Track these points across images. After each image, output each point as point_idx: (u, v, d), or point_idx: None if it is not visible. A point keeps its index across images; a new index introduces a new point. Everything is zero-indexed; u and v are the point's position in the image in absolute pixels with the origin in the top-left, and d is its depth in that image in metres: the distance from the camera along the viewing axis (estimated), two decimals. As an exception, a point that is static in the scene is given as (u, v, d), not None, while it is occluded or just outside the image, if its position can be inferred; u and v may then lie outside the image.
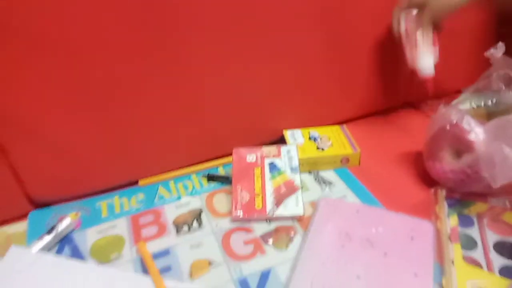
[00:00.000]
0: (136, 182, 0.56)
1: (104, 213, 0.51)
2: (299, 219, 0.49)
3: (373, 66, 0.65)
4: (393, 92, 0.69)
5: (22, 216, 0.51)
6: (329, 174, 0.57)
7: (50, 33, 0.43)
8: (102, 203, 0.52)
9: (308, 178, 0.56)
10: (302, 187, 0.51)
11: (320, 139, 0.60)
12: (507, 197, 0.48)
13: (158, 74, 0.50)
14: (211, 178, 0.56)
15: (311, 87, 0.61)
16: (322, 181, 0.56)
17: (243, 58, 0.54)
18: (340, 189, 0.54)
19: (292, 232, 0.47)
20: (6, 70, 0.43)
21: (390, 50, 0.62)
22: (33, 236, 0.47)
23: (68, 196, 0.53)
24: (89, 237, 0.47)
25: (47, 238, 0.46)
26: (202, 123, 0.56)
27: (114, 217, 0.50)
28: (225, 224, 0.49)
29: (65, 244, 0.47)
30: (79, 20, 0.44)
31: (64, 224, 0.47)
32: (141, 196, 0.54)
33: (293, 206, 0.49)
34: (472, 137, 0.47)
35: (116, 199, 0.53)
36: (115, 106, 0.50)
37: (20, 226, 0.50)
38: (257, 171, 0.53)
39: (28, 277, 0.41)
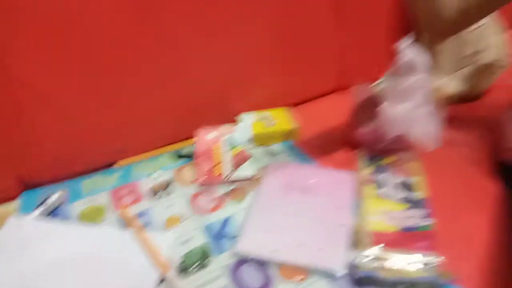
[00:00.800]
0: (113, 164, 0.65)
1: (87, 190, 0.60)
2: (251, 179, 0.60)
3: (312, 59, 0.78)
4: (329, 79, 0.83)
5: (10, 198, 0.59)
6: (277, 147, 0.69)
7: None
8: (85, 182, 0.61)
9: (260, 151, 0.68)
10: (254, 158, 0.63)
11: (268, 118, 0.72)
12: (410, 151, 0.63)
13: (134, 65, 0.60)
14: (179, 155, 0.66)
15: (261, 77, 0.74)
16: (271, 153, 0.68)
17: (205, 52, 0.65)
18: (285, 156, 0.66)
19: (246, 190, 0.59)
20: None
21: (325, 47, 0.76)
22: (25, 211, 0.55)
23: (54, 177, 0.61)
24: (75, 209, 0.56)
25: (40, 209, 0.54)
26: (171, 110, 0.67)
27: (96, 192, 0.59)
28: (192, 189, 0.59)
29: (55, 216, 0.55)
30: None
31: (54, 197, 0.56)
32: (118, 174, 0.63)
33: (245, 170, 0.61)
34: (378, 106, 0.62)
35: (96, 178, 0.62)
36: (95, 98, 0.60)
37: (10, 206, 0.57)
38: (216, 147, 0.64)
39: (27, 241, 0.49)
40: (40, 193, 0.59)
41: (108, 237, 0.50)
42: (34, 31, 0.53)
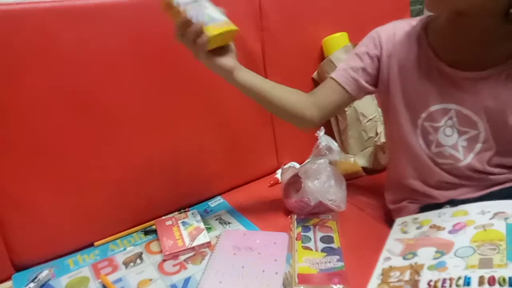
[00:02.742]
0: (92, 244, 0.78)
1: (72, 266, 0.72)
2: (208, 246, 0.76)
3: (250, 146, 1.00)
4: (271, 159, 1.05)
5: (4, 280, 0.69)
6: (228, 216, 0.86)
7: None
8: (69, 260, 0.74)
9: (214, 222, 0.85)
10: (210, 228, 0.79)
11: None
12: (328, 214, 0.82)
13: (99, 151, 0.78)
14: (147, 232, 0.81)
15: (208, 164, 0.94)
16: (224, 222, 0.84)
17: (158, 148, 0.85)
18: (235, 225, 0.83)
19: (204, 254, 0.74)
20: None
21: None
22: (19, 288, 0.66)
23: (42, 259, 0.73)
24: (62, 281, 0.68)
25: (31, 285, 0.66)
26: (136, 198, 0.83)
27: (79, 267, 0.72)
28: (159, 258, 0.74)
29: (45, 288, 0.67)
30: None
31: (43, 274, 0.68)
32: (97, 252, 0.76)
33: (201, 239, 0.76)
34: (300, 182, 0.83)
35: (79, 256, 0.75)
36: (72, 187, 0.76)
37: (4, 286, 0.68)
38: (175, 229, 0.80)
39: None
40: (30, 272, 0.70)
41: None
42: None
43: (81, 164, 0.77)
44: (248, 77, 0.69)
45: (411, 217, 0.65)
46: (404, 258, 0.56)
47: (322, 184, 0.81)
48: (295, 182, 0.85)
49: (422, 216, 0.63)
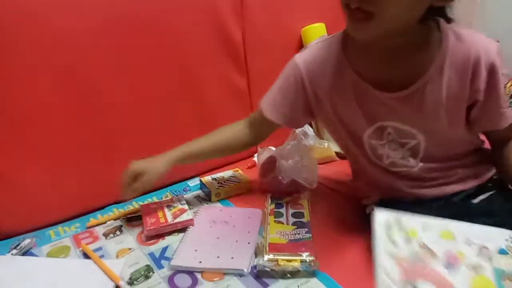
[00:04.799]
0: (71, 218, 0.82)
1: (53, 236, 0.75)
2: (190, 223, 0.79)
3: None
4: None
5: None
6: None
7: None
8: (50, 231, 0.77)
9: (193, 199, 0.88)
10: (188, 205, 0.83)
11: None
12: (300, 192, 0.87)
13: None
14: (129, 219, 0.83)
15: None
16: (201, 200, 0.88)
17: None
18: (212, 203, 0.87)
19: (183, 228, 0.77)
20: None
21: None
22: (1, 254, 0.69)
23: (24, 230, 0.76)
24: (44, 250, 0.71)
25: (14, 251, 0.69)
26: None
27: (60, 238, 0.75)
28: (138, 230, 0.77)
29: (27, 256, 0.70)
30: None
31: (25, 242, 0.71)
32: (77, 224, 0.79)
33: (184, 217, 0.79)
34: (275, 161, 0.87)
35: (60, 228, 0.78)
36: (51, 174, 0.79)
37: (-13, 253, 0.71)
38: (160, 211, 0.81)
39: (7, 273, 0.63)
40: (12, 241, 0.73)
41: (73, 264, 0.66)
42: None
43: (64, 139, 0.79)
44: (182, 155, 0.78)
45: (394, 218, 0.60)
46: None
47: (295, 163, 0.86)
48: (270, 162, 0.90)
49: (405, 220, 0.59)
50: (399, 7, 0.55)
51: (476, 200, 0.72)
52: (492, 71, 0.62)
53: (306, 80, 0.71)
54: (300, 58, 0.73)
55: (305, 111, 0.75)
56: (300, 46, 1.09)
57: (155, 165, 0.76)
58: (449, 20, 0.63)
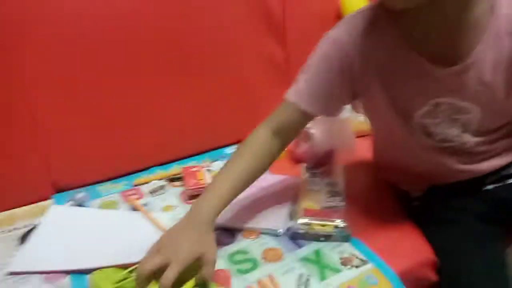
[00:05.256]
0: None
1: (103, 192, 0.82)
2: None
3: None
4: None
5: (46, 198, 0.80)
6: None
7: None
8: (101, 187, 0.84)
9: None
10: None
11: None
12: (335, 163, 0.89)
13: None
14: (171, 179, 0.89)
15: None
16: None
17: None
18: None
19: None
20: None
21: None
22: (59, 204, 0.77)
23: (77, 185, 0.83)
24: (95, 204, 0.79)
25: (70, 203, 0.76)
26: (160, 138, 0.92)
27: (109, 193, 0.82)
28: (181, 189, 0.83)
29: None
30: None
31: (80, 195, 0.78)
32: (125, 182, 0.86)
33: None
34: (310, 132, 0.89)
35: (109, 185, 0.85)
36: (105, 133, 0.85)
37: (47, 202, 0.78)
38: (200, 173, 0.85)
39: (67, 220, 0.70)
40: (67, 194, 0.80)
41: (123, 216, 0.72)
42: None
43: (112, 103, 0.85)
44: (214, 215, 0.61)
45: None
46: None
47: (332, 134, 0.87)
48: (305, 132, 0.92)
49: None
50: None
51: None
52: None
53: (354, 60, 0.64)
54: (338, 35, 0.65)
55: (349, 96, 0.69)
56: (340, 16, 1.08)
57: (206, 249, 0.56)
58: None
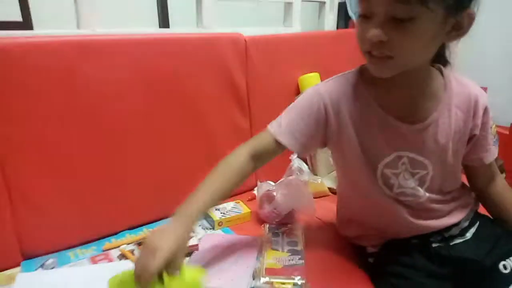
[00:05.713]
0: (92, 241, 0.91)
1: (72, 257, 0.84)
2: (196, 248, 0.87)
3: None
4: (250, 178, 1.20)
5: (15, 265, 0.80)
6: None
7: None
8: (70, 253, 0.86)
9: (197, 228, 0.97)
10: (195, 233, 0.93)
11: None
12: (295, 223, 0.96)
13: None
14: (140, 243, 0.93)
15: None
16: (205, 228, 0.98)
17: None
18: (215, 231, 0.97)
19: (191, 253, 0.86)
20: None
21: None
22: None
23: (46, 251, 0.85)
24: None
25: (40, 269, 0.77)
26: (130, 204, 0.96)
27: (78, 259, 0.84)
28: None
29: (50, 273, 0.78)
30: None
31: (49, 262, 0.80)
32: (94, 247, 0.88)
33: (190, 242, 0.88)
34: (273, 194, 0.97)
35: (78, 250, 0.87)
36: (74, 202, 0.89)
37: (15, 270, 0.79)
38: None
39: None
40: (36, 261, 0.82)
41: (91, 271, 0.76)
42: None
43: (86, 169, 0.90)
44: (199, 215, 0.70)
45: None
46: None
47: (292, 196, 0.96)
48: (268, 195, 1.00)
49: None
50: (414, 48, 0.64)
51: (468, 235, 0.81)
52: (485, 111, 0.76)
53: (330, 108, 0.75)
54: (324, 88, 0.77)
55: (322, 139, 0.78)
56: (298, 92, 1.22)
57: (181, 246, 0.64)
58: (446, 63, 0.76)
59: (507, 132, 1.48)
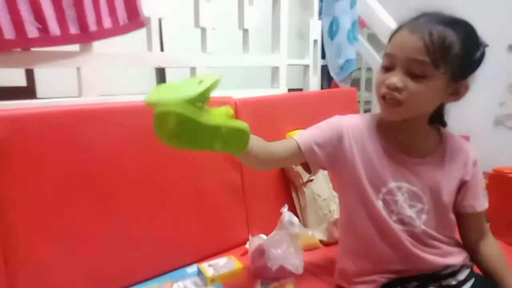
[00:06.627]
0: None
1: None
2: None
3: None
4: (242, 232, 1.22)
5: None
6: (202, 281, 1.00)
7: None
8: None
9: (190, 285, 0.98)
10: (186, 290, 0.93)
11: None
12: (287, 278, 0.97)
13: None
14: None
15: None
16: (198, 285, 0.98)
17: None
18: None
19: None
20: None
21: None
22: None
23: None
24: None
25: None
26: (123, 263, 0.97)
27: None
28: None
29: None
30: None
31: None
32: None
33: None
34: (265, 249, 0.99)
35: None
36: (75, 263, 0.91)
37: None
38: None
39: None
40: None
41: None
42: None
43: (85, 231, 0.93)
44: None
45: None
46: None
47: (283, 251, 0.98)
48: (260, 250, 1.02)
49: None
50: (421, 99, 0.78)
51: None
52: (475, 164, 0.89)
53: (346, 135, 0.88)
54: (345, 120, 0.91)
55: (332, 160, 0.88)
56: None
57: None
58: (444, 124, 0.90)
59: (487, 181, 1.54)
